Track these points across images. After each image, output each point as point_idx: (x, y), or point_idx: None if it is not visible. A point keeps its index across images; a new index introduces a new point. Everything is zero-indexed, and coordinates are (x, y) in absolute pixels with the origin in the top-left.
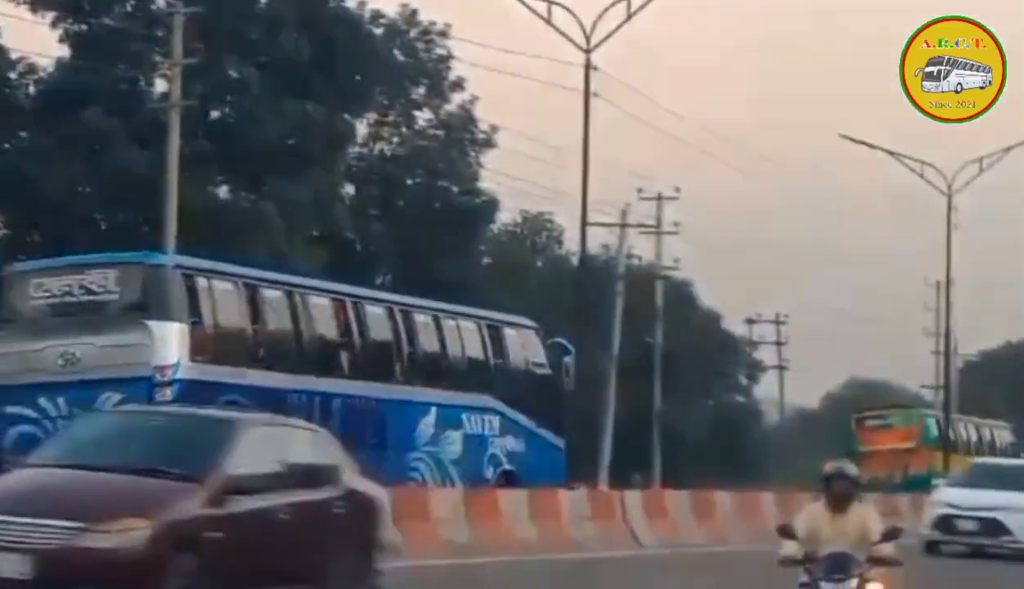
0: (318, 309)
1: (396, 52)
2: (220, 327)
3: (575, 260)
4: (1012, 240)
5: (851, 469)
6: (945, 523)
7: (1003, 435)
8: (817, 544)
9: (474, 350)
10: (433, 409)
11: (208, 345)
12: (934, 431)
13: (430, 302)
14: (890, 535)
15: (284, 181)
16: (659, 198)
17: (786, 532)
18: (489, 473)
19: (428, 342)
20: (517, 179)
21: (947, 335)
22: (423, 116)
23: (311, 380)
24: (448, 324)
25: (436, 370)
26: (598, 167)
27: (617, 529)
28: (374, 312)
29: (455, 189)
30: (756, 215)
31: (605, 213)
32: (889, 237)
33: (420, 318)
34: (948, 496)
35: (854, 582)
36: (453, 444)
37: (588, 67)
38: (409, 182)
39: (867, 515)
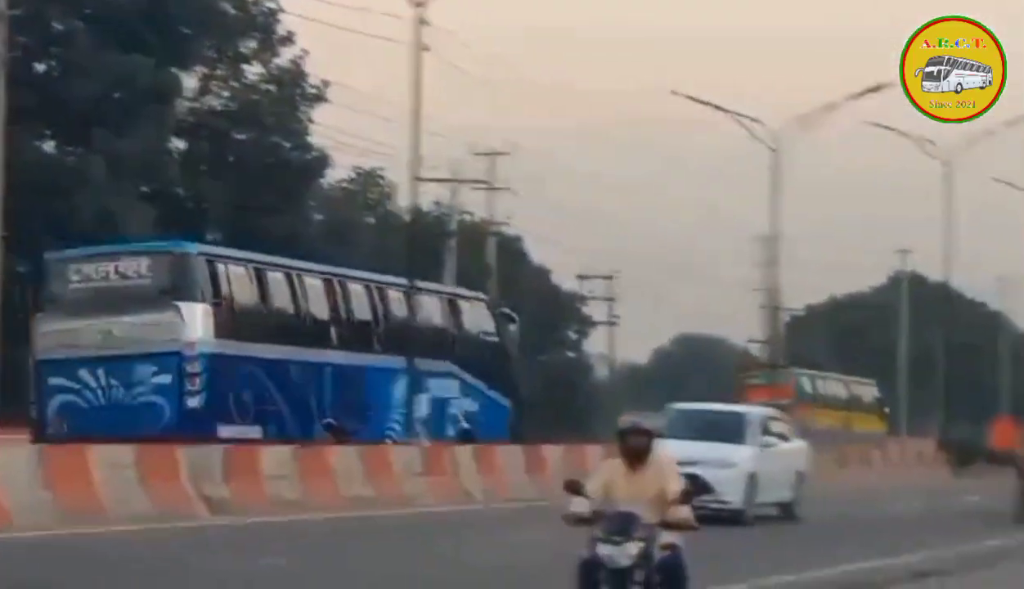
0: (313, 289)
1: (225, 4)
2: (237, 306)
3: (407, 216)
4: (836, 196)
5: (647, 422)
6: None
7: (870, 391)
8: (614, 502)
9: (437, 321)
10: (405, 374)
11: (228, 323)
12: (807, 387)
13: (400, 279)
14: (684, 498)
15: (111, 135)
16: (492, 154)
17: (574, 488)
18: (450, 431)
19: (400, 315)
20: (349, 135)
21: (773, 290)
22: (253, 70)
23: (309, 352)
24: (415, 298)
25: (407, 339)
26: (431, 123)
27: (449, 484)
28: (355, 289)
29: (286, 144)
30: (589, 171)
31: (437, 169)
32: (718, 194)
33: (392, 294)
34: None
35: (635, 547)
36: (422, 405)
37: (419, 22)
38: (240, 137)
39: (666, 472)
